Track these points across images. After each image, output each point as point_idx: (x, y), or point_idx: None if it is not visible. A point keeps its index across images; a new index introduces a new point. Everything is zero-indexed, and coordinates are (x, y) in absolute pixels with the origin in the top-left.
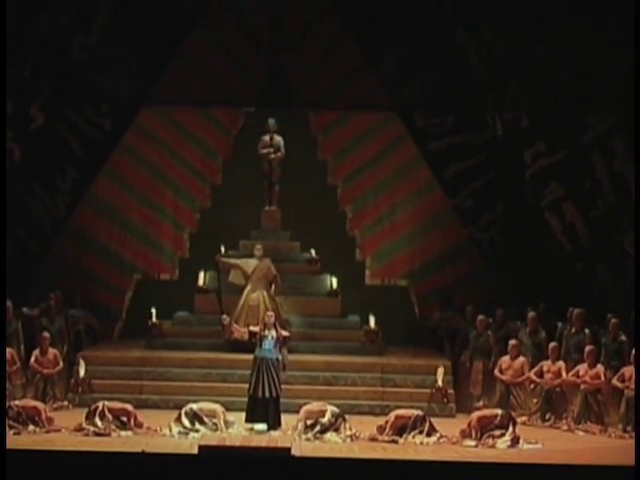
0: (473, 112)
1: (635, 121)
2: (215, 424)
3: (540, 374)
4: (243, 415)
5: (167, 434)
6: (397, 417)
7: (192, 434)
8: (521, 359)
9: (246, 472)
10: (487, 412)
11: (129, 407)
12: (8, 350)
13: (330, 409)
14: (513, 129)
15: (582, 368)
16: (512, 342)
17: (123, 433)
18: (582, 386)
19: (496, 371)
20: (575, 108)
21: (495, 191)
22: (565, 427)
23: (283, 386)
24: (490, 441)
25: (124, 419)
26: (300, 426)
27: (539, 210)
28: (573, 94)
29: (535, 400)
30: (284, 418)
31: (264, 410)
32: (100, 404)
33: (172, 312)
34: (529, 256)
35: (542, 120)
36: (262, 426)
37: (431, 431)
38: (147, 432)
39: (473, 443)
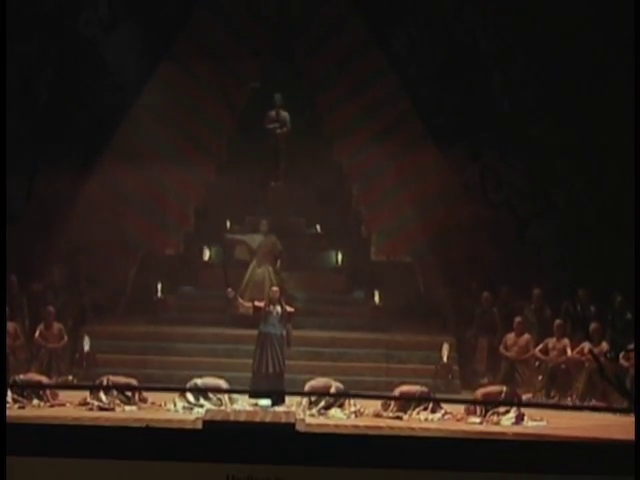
0: (479, 90)
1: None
2: (219, 399)
3: (545, 351)
4: None
5: (171, 409)
6: (402, 393)
7: (196, 409)
8: (526, 336)
9: (250, 447)
10: (492, 389)
11: (133, 382)
12: (12, 324)
13: (335, 385)
14: (520, 106)
15: (587, 346)
16: (517, 319)
17: (127, 408)
18: (587, 363)
19: (501, 348)
20: (583, 86)
21: (502, 169)
22: (570, 404)
23: (287, 362)
24: (495, 418)
25: (128, 394)
26: (304, 402)
27: (545, 187)
28: (581, 72)
29: (540, 377)
30: None
31: (268, 385)
32: (104, 379)
33: (177, 287)
34: (535, 233)
35: (549, 98)
36: (266, 401)
37: (436, 407)
38: (151, 407)
39: (478, 420)
